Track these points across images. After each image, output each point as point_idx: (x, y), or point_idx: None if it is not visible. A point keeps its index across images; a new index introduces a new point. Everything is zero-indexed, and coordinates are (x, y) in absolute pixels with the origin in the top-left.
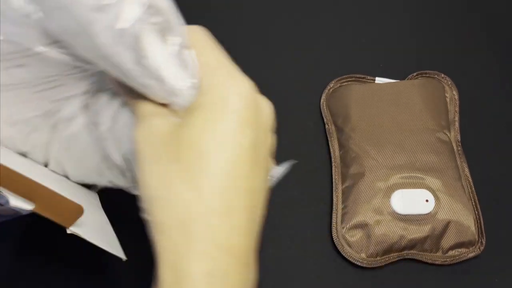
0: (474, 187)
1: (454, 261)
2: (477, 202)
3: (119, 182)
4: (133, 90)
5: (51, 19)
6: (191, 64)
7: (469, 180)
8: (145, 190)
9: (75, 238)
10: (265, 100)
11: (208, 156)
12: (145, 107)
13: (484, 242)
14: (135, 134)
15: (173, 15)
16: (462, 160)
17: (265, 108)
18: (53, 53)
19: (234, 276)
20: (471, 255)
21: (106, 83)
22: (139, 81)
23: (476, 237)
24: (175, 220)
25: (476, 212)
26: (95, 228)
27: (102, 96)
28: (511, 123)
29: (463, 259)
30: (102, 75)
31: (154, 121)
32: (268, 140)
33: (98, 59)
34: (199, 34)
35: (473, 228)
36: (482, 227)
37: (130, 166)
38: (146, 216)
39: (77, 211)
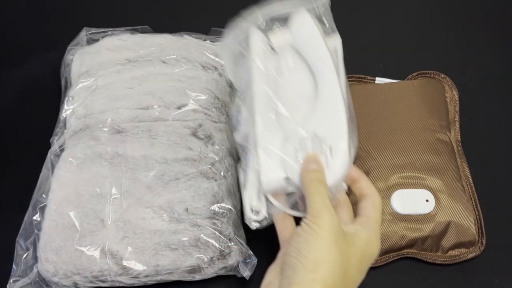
0: (474, 187)
1: (454, 261)
2: (477, 202)
3: None
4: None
5: None
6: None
7: (469, 180)
8: (310, 252)
9: None
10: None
11: (353, 263)
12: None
13: (484, 242)
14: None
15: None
16: (462, 160)
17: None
18: None
19: None
20: (471, 255)
21: None
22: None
23: (476, 237)
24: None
25: (476, 212)
26: None
27: None
28: (511, 123)
29: (463, 259)
30: None
31: (335, 215)
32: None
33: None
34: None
35: (473, 228)
36: (482, 227)
37: None
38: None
39: None
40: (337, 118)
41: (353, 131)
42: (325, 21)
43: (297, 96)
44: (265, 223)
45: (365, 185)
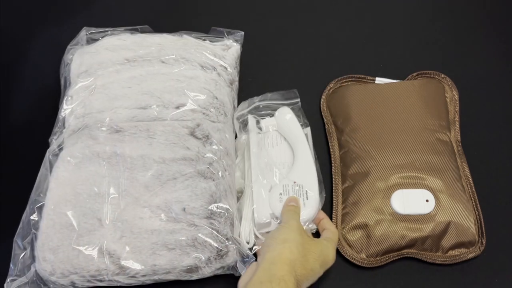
0: (474, 187)
1: (454, 261)
2: (477, 202)
3: None
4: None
5: None
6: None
7: (469, 180)
8: (272, 239)
9: None
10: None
11: (309, 258)
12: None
13: (484, 242)
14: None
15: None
16: (462, 160)
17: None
18: None
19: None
20: (471, 255)
21: None
22: None
23: (476, 237)
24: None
25: (476, 212)
26: None
27: None
28: (511, 123)
29: (463, 259)
30: None
31: (300, 223)
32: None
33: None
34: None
35: (473, 228)
36: (482, 227)
37: None
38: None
39: None
40: (311, 175)
41: (322, 188)
42: (300, 116)
43: (278, 161)
44: (254, 249)
45: (326, 222)
